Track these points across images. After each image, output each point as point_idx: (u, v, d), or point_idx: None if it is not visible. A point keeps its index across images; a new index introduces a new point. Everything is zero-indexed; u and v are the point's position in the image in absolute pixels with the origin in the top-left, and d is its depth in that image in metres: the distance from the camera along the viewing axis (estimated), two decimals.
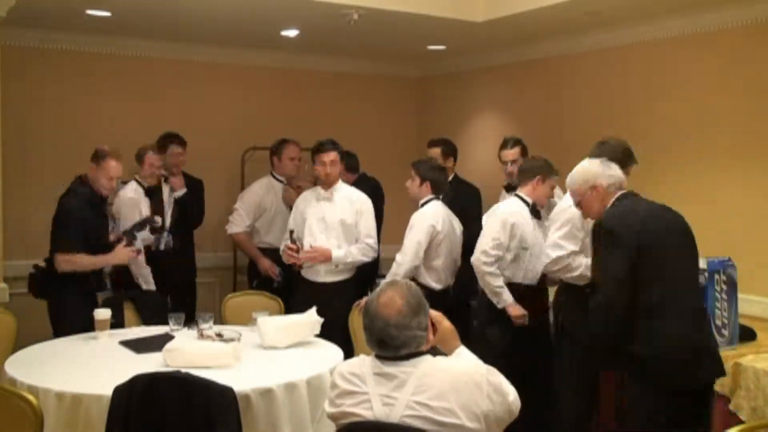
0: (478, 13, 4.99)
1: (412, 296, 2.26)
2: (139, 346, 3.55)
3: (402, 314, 2.20)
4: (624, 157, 3.64)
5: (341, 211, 4.49)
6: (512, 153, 4.72)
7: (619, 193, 3.21)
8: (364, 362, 2.28)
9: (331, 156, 4.45)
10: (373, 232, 4.59)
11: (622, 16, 4.79)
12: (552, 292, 4.49)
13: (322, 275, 4.50)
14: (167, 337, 3.63)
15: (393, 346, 2.20)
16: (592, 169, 3.25)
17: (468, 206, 4.98)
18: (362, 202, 4.59)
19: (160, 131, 5.39)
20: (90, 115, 5.64)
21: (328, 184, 4.54)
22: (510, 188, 4.68)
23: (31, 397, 2.71)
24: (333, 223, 4.47)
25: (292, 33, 5.47)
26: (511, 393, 2.28)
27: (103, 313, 3.78)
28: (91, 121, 5.61)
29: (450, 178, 5.20)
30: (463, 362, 2.29)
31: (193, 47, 5.95)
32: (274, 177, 5.44)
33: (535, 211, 4.25)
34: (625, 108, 5.09)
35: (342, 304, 4.34)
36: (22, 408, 2.68)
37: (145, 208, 4.90)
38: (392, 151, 6.27)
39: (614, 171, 3.24)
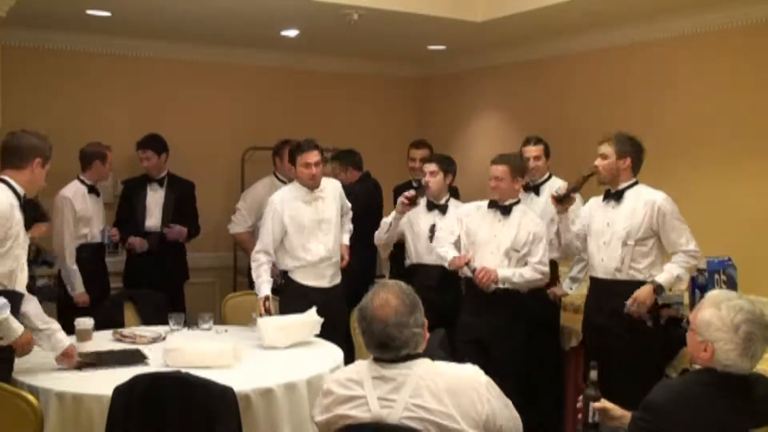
0: (478, 13, 4.99)
1: (406, 295, 2.26)
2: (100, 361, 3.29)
3: (399, 313, 2.20)
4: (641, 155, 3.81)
5: (334, 209, 4.33)
6: (536, 149, 4.53)
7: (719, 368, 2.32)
8: (362, 367, 2.27)
9: (316, 156, 4.16)
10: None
11: (622, 16, 4.79)
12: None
13: (329, 280, 4.30)
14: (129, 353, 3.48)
15: (394, 346, 2.19)
16: (724, 333, 2.29)
17: None
18: (338, 183, 4.45)
19: (159, 131, 5.39)
20: (90, 115, 5.64)
21: (315, 185, 4.25)
22: (527, 188, 4.53)
23: (31, 397, 2.72)
24: (335, 219, 4.31)
25: (292, 33, 5.47)
26: (512, 406, 2.26)
27: (84, 323, 3.59)
28: (91, 121, 5.61)
29: None
30: (463, 367, 2.27)
31: (193, 47, 5.95)
32: (277, 177, 5.43)
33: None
34: (625, 108, 5.09)
35: (342, 307, 4.30)
36: (22, 408, 2.69)
37: (81, 206, 4.86)
38: (392, 151, 6.27)
39: (735, 357, 2.29)
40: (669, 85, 4.85)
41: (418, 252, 4.60)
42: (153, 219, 5.26)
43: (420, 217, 4.60)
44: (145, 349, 3.52)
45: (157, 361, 3.28)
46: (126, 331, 3.88)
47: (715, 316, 2.30)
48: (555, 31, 5.29)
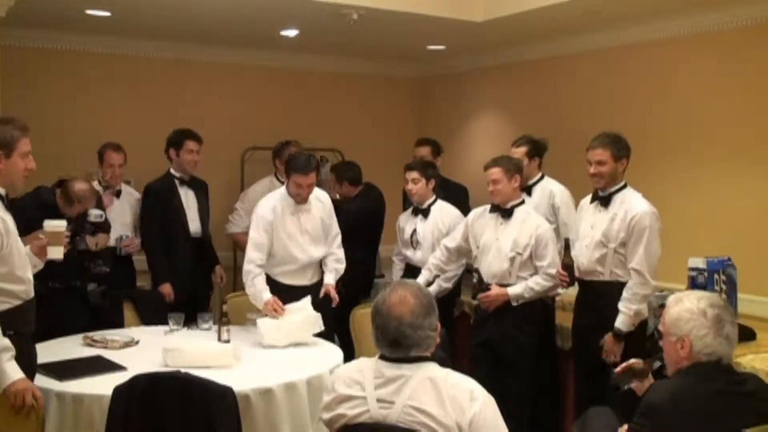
0: (478, 13, 4.99)
1: (424, 296, 2.25)
2: (61, 371, 3.14)
3: (415, 314, 2.19)
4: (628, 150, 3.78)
5: (319, 218, 4.30)
6: (517, 151, 4.53)
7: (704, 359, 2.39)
8: (365, 366, 2.27)
9: (311, 179, 4.11)
10: (339, 237, 4.42)
11: (622, 16, 4.79)
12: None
13: (309, 278, 4.31)
14: (92, 360, 3.36)
15: (405, 346, 2.19)
16: (694, 320, 2.38)
17: (458, 206, 4.93)
18: (328, 199, 4.40)
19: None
20: (90, 115, 5.64)
21: (302, 203, 4.22)
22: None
23: None
24: (317, 232, 4.28)
25: (291, 33, 5.47)
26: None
27: (56, 225, 3.07)
28: (91, 121, 5.61)
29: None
30: (467, 378, 2.24)
31: (193, 47, 5.95)
32: (277, 179, 5.42)
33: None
34: (624, 108, 5.09)
35: (325, 301, 4.23)
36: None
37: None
38: (391, 152, 6.28)
39: (711, 341, 2.37)
40: (669, 85, 4.85)
41: (407, 255, 4.79)
42: (194, 223, 5.01)
43: (406, 223, 4.84)
44: (118, 354, 3.44)
45: (156, 361, 3.28)
46: (97, 335, 3.75)
47: (682, 309, 2.41)
48: (555, 31, 5.29)
